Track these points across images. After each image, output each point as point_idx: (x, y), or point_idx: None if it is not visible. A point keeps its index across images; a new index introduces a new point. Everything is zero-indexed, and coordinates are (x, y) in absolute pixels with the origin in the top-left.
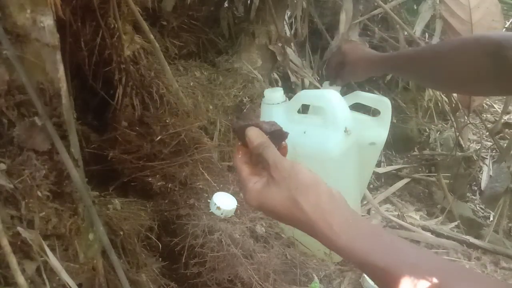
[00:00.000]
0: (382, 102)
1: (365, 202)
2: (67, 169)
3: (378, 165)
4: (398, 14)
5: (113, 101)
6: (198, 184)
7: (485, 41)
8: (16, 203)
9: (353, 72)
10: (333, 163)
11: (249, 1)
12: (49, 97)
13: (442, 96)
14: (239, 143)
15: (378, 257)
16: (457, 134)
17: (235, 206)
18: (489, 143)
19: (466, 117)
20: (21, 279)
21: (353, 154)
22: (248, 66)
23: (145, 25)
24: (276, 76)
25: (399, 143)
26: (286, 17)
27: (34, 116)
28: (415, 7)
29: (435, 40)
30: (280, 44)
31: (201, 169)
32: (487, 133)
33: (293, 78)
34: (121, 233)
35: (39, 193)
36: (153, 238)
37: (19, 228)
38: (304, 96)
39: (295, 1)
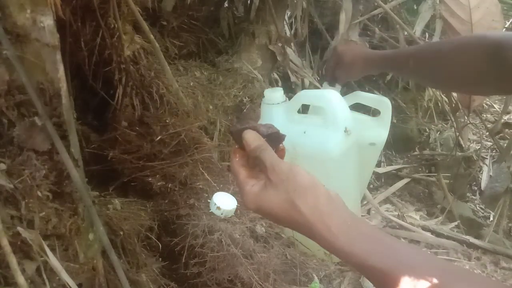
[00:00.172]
0: (382, 102)
1: (365, 202)
2: (67, 169)
3: (378, 165)
4: (398, 14)
5: (113, 101)
6: (198, 184)
7: (485, 41)
8: (16, 203)
9: (349, 70)
10: (333, 163)
11: (249, 1)
12: (49, 97)
13: (442, 96)
14: (236, 146)
15: (377, 260)
16: (457, 134)
17: (235, 206)
18: (489, 143)
19: (466, 117)
20: (21, 279)
21: (353, 154)
22: (248, 66)
23: (145, 25)
24: (276, 76)
25: (399, 143)
26: (286, 17)
27: (34, 116)
28: (415, 7)
29: (435, 40)
30: (280, 44)
31: (201, 169)
32: (487, 133)
33: (293, 78)
34: (121, 233)
35: (39, 193)
36: (153, 238)
37: (19, 228)
38: (304, 96)
39: (295, 1)
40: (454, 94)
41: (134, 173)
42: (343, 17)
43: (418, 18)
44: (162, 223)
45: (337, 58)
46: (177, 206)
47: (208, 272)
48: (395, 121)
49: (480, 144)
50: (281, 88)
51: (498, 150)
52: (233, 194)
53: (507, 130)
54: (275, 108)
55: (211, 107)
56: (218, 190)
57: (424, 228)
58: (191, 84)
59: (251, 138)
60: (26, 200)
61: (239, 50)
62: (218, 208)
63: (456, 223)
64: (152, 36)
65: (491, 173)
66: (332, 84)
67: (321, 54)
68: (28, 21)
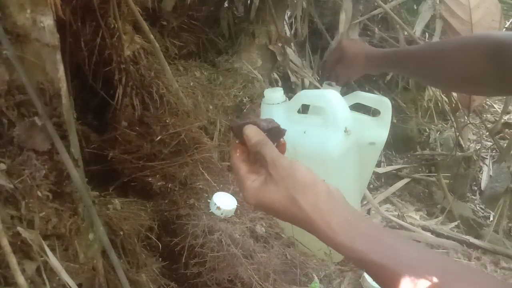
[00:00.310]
0: (382, 102)
1: (365, 202)
2: (67, 169)
3: (378, 165)
4: (398, 14)
5: (113, 101)
6: (198, 184)
7: (486, 41)
8: (16, 203)
9: (351, 66)
10: (333, 163)
11: (249, 1)
12: (49, 97)
13: (442, 96)
14: (237, 141)
15: (377, 256)
16: (457, 134)
17: (235, 206)
18: (489, 143)
19: (466, 117)
20: (21, 279)
21: (353, 154)
22: (248, 66)
23: (145, 25)
24: (276, 76)
25: (399, 143)
26: (286, 17)
27: (34, 116)
28: (415, 7)
29: (435, 40)
30: (280, 44)
31: (201, 169)
32: (487, 133)
33: (293, 78)
34: (121, 233)
35: (39, 193)
36: (153, 238)
37: (19, 228)
38: (304, 96)
39: (295, 1)
40: (454, 94)
41: (134, 173)
42: (343, 17)
43: (418, 18)
44: (162, 223)
45: (340, 53)
46: (177, 206)
47: (208, 272)
48: (395, 121)
49: (480, 144)
50: (281, 88)
51: (498, 150)
52: (233, 194)
53: (507, 130)
54: (275, 108)
55: (211, 107)
56: (218, 190)
57: (424, 228)
58: (191, 84)
59: (252, 133)
60: (26, 200)
61: (239, 50)
62: (218, 208)
63: (456, 223)
64: (152, 36)
65: (491, 173)
66: (331, 79)
67: (321, 54)
68: (28, 21)
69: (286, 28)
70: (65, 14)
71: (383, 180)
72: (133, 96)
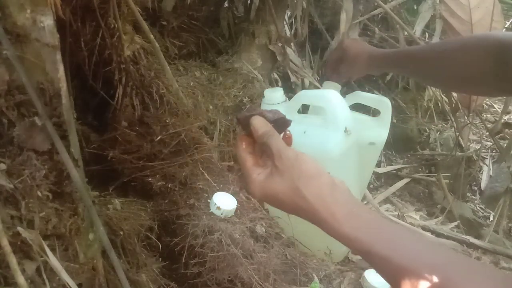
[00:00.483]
0: (382, 102)
1: (365, 202)
2: (67, 169)
3: (378, 165)
4: (398, 14)
5: (113, 101)
6: (198, 184)
7: (487, 41)
8: (16, 203)
9: (352, 65)
10: (333, 163)
11: (249, 1)
12: (49, 97)
13: (442, 96)
14: (243, 133)
15: (381, 247)
16: (457, 134)
17: (235, 206)
18: (489, 143)
19: (466, 117)
20: (21, 279)
21: (353, 154)
22: (248, 66)
23: (145, 25)
24: (276, 76)
25: (399, 143)
26: (286, 17)
27: (34, 116)
28: (415, 7)
29: (435, 40)
30: (280, 44)
31: (201, 169)
32: (487, 133)
33: (293, 78)
34: (121, 233)
35: (39, 193)
36: (153, 238)
37: (19, 228)
38: (304, 96)
39: (295, 1)
40: (454, 94)
41: (134, 173)
42: (343, 17)
43: (418, 18)
44: (162, 223)
45: (342, 52)
46: (177, 206)
47: (208, 272)
48: (395, 121)
49: (480, 144)
50: (281, 88)
51: (498, 150)
52: (233, 194)
53: (507, 130)
54: (275, 108)
55: (211, 107)
56: (218, 190)
57: (424, 228)
58: (191, 84)
59: (259, 124)
60: (26, 200)
61: (239, 50)
62: (218, 208)
63: (456, 223)
64: (152, 36)
65: (491, 173)
66: (332, 79)
67: (321, 54)
68: (28, 21)
69: (286, 28)
70: (65, 14)
71: (383, 180)
72: (133, 96)
